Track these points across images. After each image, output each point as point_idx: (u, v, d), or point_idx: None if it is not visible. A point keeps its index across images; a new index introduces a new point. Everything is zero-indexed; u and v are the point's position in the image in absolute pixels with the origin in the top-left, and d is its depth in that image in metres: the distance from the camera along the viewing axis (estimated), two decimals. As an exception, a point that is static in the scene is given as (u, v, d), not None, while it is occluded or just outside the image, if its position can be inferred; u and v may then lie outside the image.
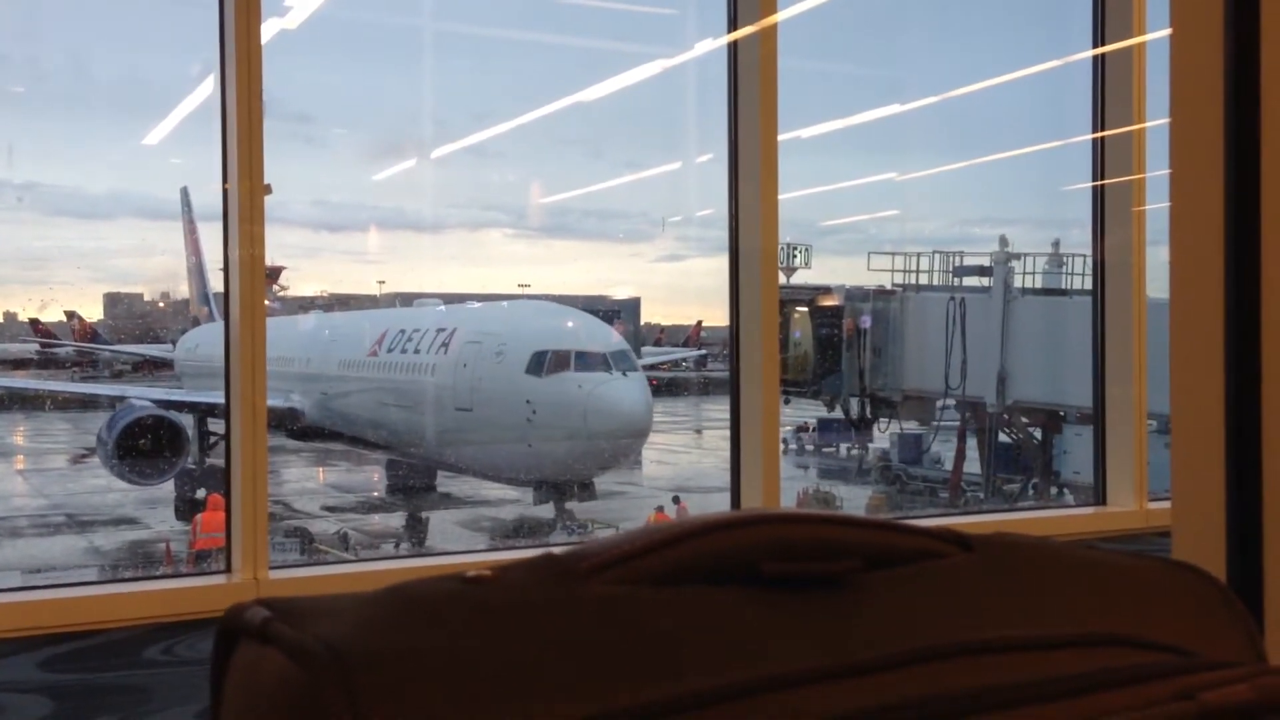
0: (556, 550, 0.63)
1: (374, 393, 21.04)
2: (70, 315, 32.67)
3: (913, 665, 0.59)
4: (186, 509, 20.71)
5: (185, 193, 29.76)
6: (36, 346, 32.84)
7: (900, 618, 0.62)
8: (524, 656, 0.56)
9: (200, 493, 20.39)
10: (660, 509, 20.54)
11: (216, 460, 20.71)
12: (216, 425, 20.65)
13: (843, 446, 25.17)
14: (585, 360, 17.97)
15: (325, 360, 22.01)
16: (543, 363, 17.94)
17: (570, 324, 19.53)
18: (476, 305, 24.18)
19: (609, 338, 19.10)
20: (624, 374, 18.02)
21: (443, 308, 24.19)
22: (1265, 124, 1.22)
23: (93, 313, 33.97)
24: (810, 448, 26.23)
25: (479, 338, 19.19)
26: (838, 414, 21.73)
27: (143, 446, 19.62)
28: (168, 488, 21.42)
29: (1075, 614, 0.66)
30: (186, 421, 21.02)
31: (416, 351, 20.29)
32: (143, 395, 22.79)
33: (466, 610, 0.58)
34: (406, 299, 27.80)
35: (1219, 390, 1.21)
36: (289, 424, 21.41)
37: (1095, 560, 0.71)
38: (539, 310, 21.21)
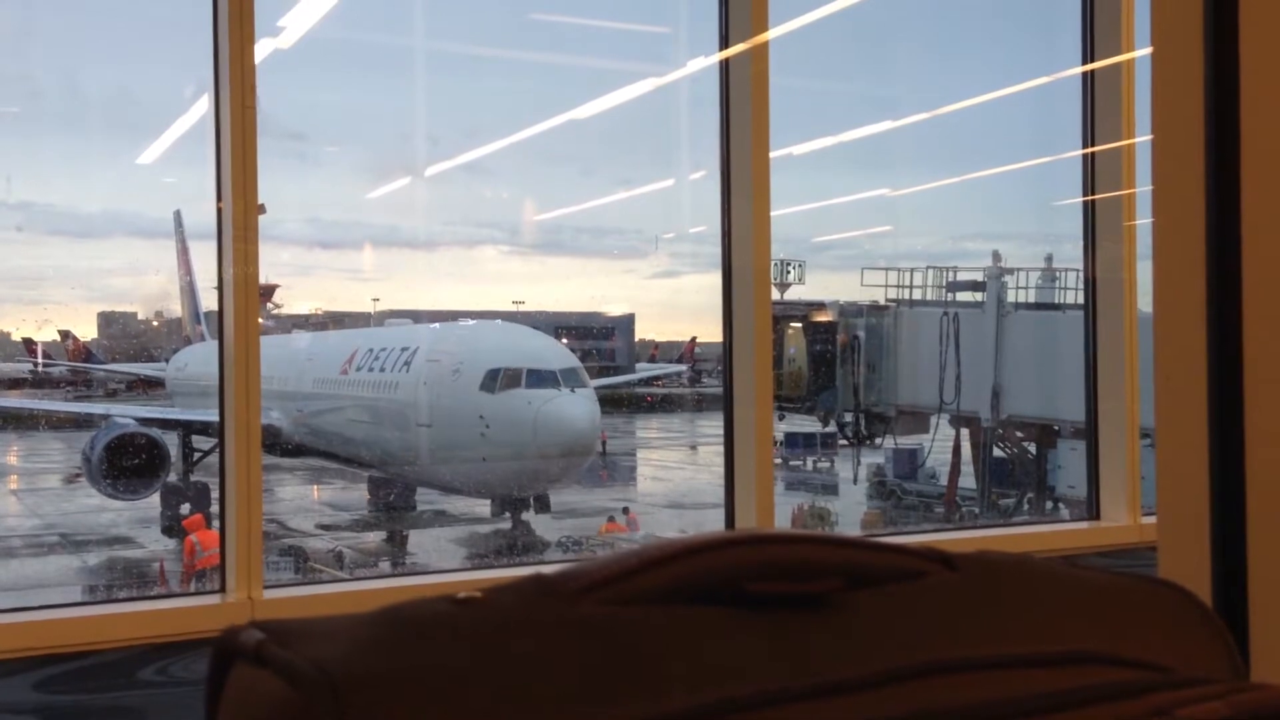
0: (545, 571, 0.64)
1: (345, 410, 21.71)
2: (64, 335, 32.62)
3: (893, 684, 0.60)
4: (175, 526, 21.15)
5: (178, 215, 30.01)
6: (30, 366, 32.76)
7: (882, 637, 0.63)
8: (513, 677, 0.57)
9: (185, 508, 20.92)
10: (611, 519, 21.13)
11: (200, 476, 21.43)
12: (202, 441, 21.40)
13: (809, 460, 25.23)
14: (535, 377, 18.68)
15: (301, 378, 22.49)
16: (496, 380, 18.68)
17: (524, 343, 20.30)
18: (442, 324, 24.97)
19: (560, 356, 19.87)
20: (572, 390, 18.71)
21: (411, 327, 24.99)
22: (1244, 140, 1.24)
23: (87, 332, 33.92)
24: (777, 461, 26.19)
25: (438, 356, 20.00)
26: (807, 429, 22.01)
27: (125, 463, 20.10)
28: (159, 505, 21.63)
29: (1056, 632, 0.67)
30: (171, 439, 21.50)
31: (383, 370, 21.02)
32: (126, 413, 23.29)
33: (456, 631, 0.59)
34: (379, 318, 28.41)
35: (1202, 407, 1.22)
36: (270, 441, 21.58)
37: (1077, 578, 0.72)
38: (497, 329, 22.09)
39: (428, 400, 19.53)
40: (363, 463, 22.39)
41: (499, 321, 23.53)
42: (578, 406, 18.66)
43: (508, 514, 20.43)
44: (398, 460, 21.02)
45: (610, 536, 19.61)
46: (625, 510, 22.00)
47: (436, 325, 24.96)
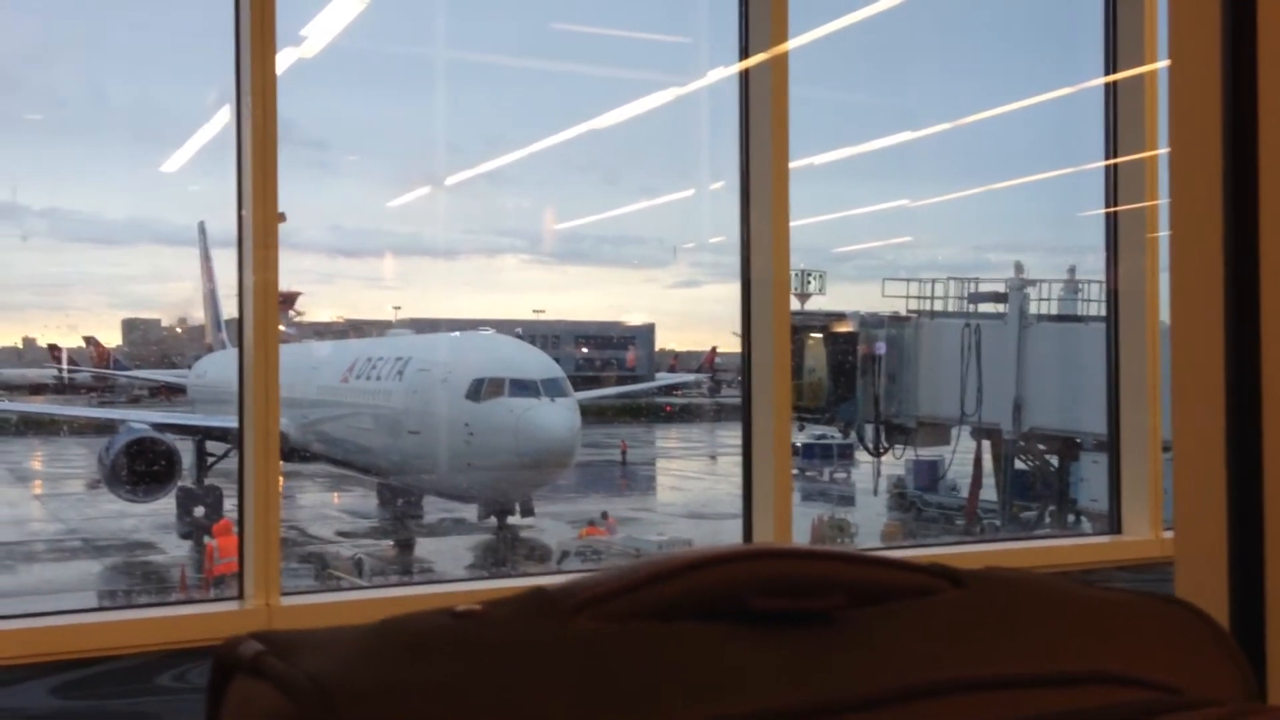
0: (546, 585, 0.63)
1: (345, 417, 22.49)
2: (88, 341, 32.84)
3: (897, 703, 0.59)
4: (188, 529, 21.93)
5: (202, 225, 30.35)
6: (55, 372, 33.01)
7: (887, 654, 0.63)
8: (510, 692, 0.56)
9: (199, 510, 21.72)
10: (591, 523, 21.76)
11: (214, 481, 22.08)
12: (216, 447, 22.17)
13: (826, 471, 25.27)
14: (518, 387, 19.43)
15: (307, 386, 23.05)
16: (480, 389, 19.45)
17: (510, 354, 21.23)
18: (435, 335, 26.01)
19: (543, 367, 20.58)
20: (552, 399, 19.44)
21: (408, 337, 26.07)
22: (1262, 153, 1.23)
23: (111, 338, 34.15)
24: (794, 472, 26.12)
25: (428, 366, 20.91)
26: (824, 439, 22.20)
27: (138, 467, 20.74)
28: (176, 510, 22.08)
29: (1065, 651, 0.66)
30: (186, 444, 22.25)
31: (378, 379, 21.85)
32: (142, 419, 24.14)
33: (454, 645, 0.58)
34: (381, 329, 29.30)
35: (1220, 422, 1.21)
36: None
37: (1088, 596, 0.71)
38: (485, 340, 23.09)
39: (417, 408, 20.35)
40: (359, 468, 23.16)
41: (489, 333, 24.46)
42: (558, 415, 19.31)
43: (493, 518, 21.18)
44: (391, 466, 21.76)
45: (590, 540, 20.03)
46: (604, 515, 22.64)
47: (430, 336, 25.93)
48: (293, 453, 23.06)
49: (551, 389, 19.57)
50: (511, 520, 20.94)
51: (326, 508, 26.34)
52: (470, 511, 22.45)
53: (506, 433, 18.95)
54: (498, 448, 19.11)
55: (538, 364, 20.66)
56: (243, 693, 0.58)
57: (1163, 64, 5.05)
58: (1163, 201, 5.15)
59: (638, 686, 0.57)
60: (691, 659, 0.59)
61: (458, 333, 25.14)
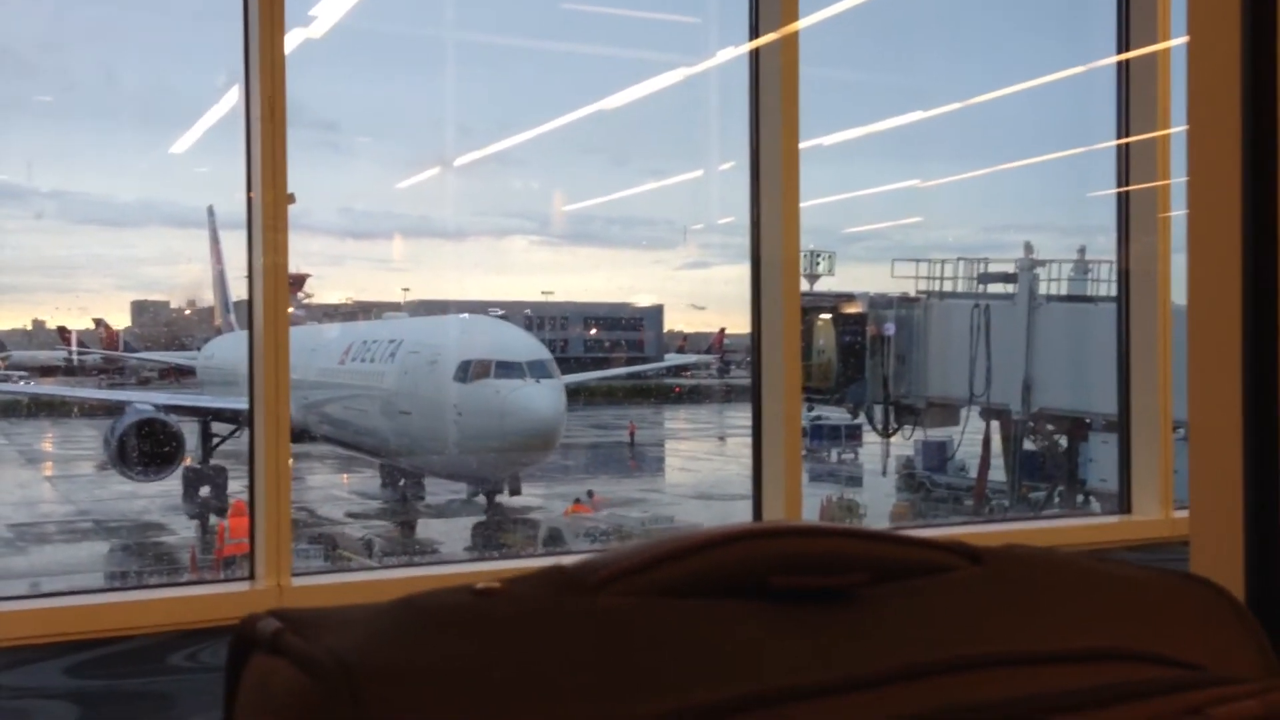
0: (566, 562, 0.63)
1: (342, 398, 23.04)
2: (98, 323, 32.93)
3: (918, 679, 0.59)
4: (196, 509, 22.60)
5: (210, 209, 30.49)
6: (64, 354, 33.12)
7: (907, 631, 0.62)
8: (532, 669, 0.56)
9: (205, 490, 22.40)
10: (578, 500, 22.35)
11: (219, 461, 22.77)
12: (220, 428, 23.04)
13: (834, 452, 25.36)
14: (504, 368, 19.95)
15: (307, 368, 23.43)
16: (467, 370, 20.01)
17: (497, 336, 21.81)
18: (426, 319, 26.87)
19: (530, 349, 21.10)
20: (537, 381, 19.91)
21: (402, 320, 26.90)
22: (1284, 133, 1.22)
23: (120, 320, 34.23)
24: (803, 453, 26.19)
25: (418, 348, 21.51)
26: (822, 420, 22.42)
27: (143, 447, 21.29)
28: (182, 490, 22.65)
29: (1085, 628, 0.65)
30: (193, 425, 22.91)
31: (372, 361, 22.52)
32: (147, 400, 24.70)
33: (475, 622, 0.58)
34: (378, 311, 29.88)
35: (1237, 400, 1.20)
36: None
37: (1107, 574, 0.71)
38: (475, 323, 23.81)
39: (408, 389, 20.88)
40: (356, 448, 23.77)
41: (479, 316, 25.08)
42: (542, 396, 19.75)
43: (482, 497, 21.83)
44: (385, 446, 22.32)
45: (575, 518, 20.31)
46: (590, 494, 23.20)
47: (424, 319, 26.62)
48: (297, 434, 23.34)
49: (537, 370, 19.99)
50: (500, 499, 21.41)
51: (334, 488, 26.55)
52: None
53: (492, 413, 19.40)
54: (484, 428, 19.59)
55: (524, 346, 21.10)
56: (261, 670, 0.58)
57: (1176, 42, 5.02)
58: (1174, 181, 5.12)
59: (658, 663, 0.57)
60: (712, 636, 0.59)
61: (458, 315, 25.69)
